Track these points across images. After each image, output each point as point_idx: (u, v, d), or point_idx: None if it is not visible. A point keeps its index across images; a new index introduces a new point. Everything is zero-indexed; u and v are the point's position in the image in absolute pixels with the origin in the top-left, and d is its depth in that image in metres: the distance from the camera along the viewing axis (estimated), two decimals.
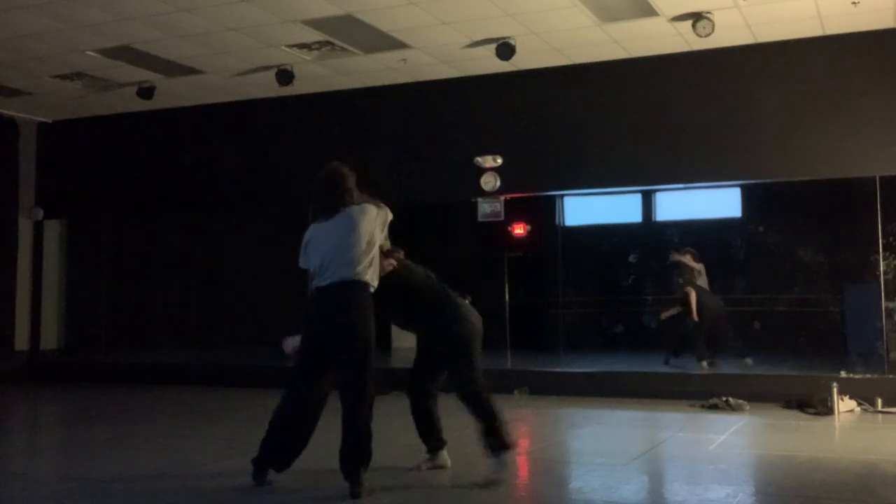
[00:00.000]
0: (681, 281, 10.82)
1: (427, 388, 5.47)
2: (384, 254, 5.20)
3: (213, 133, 11.96)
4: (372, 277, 4.96)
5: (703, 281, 10.84)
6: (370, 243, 4.95)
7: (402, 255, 5.33)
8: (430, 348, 5.49)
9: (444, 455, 5.51)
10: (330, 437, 4.95)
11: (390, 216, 5.20)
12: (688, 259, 10.83)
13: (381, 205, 5.16)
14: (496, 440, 5.16)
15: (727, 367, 10.31)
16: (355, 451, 4.76)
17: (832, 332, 12.11)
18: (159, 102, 11.27)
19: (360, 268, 4.87)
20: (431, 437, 5.50)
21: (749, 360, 10.16)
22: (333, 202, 5.03)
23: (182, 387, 10.78)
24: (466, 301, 5.48)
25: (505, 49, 9.25)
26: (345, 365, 4.84)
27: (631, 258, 14.75)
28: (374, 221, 5.00)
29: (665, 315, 11.16)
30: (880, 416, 8.00)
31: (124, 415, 8.76)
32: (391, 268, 5.21)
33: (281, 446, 4.98)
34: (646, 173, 10.08)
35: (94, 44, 9.36)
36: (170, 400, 9.81)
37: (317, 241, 5.02)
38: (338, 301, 4.85)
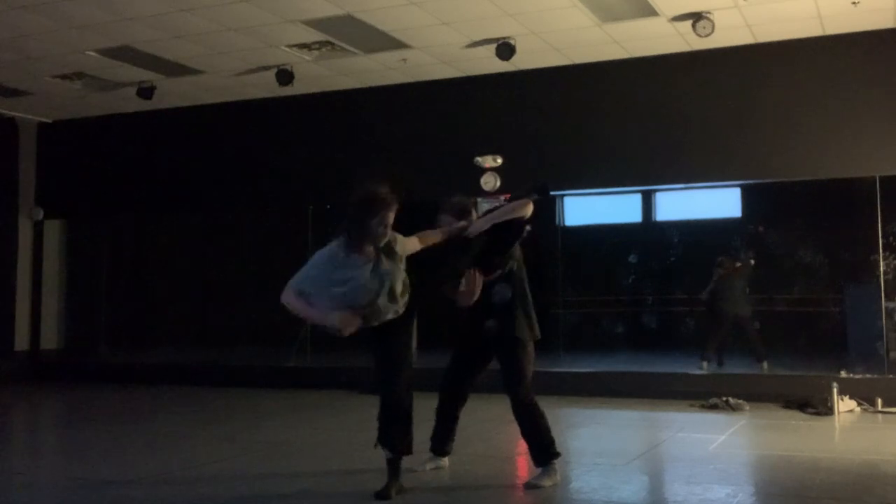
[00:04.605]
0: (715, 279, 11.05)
1: (463, 391, 5.38)
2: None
3: (213, 133, 11.96)
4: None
5: (738, 284, 10.94)
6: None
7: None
8: (484, 352, 5.31)
9: (445, 458, 5.47)
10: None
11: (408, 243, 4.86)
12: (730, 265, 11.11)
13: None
14: (545, 455, 5.08)
15: (728, 368, 10.32)
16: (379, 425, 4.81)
17: (832, 332, 12.11)
18: (159, 102, 11.26)
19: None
20: (444, 441, 5.41)
21: (765, 365, 10.17)
22: (356, 239, 4.52)
23: (182, 387, 10.79)
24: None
25: (505, 49, 9.25)
26: None
27: (631, 258, 14.77)
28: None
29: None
30: (880, 416, 8.01)
31: (124, 415, 8.75)
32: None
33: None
34: (646, 173, 10.08)
35: (94, 44, 9.36)
36: (170, 400, 9.82)
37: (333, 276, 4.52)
38: None
